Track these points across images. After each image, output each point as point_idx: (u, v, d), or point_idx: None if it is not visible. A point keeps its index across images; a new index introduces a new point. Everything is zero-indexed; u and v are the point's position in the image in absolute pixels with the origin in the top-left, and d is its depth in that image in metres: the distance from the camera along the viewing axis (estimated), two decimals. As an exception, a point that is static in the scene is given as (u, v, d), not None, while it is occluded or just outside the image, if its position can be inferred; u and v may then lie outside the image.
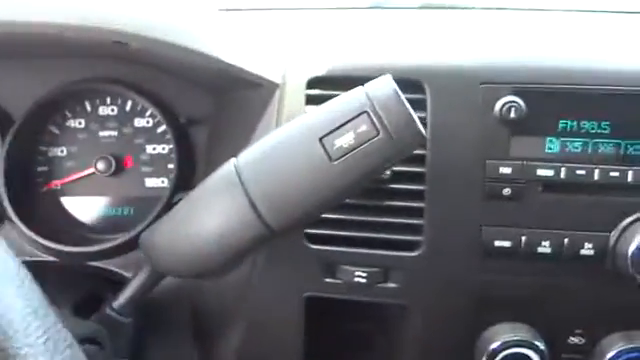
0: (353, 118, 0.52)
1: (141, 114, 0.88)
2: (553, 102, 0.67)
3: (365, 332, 0.83)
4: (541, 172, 0.67)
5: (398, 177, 0.69)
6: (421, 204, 0.70)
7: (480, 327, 0.73)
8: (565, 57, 0.69)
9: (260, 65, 0.71)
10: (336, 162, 0.52)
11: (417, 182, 0.69)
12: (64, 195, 0.88)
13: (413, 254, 0.71)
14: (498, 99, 0.66)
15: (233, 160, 0.57)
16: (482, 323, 0.73)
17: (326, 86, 0.70)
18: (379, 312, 0.78)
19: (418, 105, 0.69)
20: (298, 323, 0.75)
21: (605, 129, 0.67)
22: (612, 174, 0.67)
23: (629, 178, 0.66)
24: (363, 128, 0.52)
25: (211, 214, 0.54)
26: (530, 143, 0.68)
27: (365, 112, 0.52)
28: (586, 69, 0.68)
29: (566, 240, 0.68)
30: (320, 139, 0.52)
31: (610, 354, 0.71)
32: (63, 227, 0.87)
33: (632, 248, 0.65)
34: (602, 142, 0.67)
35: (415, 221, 0.70)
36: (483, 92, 0.67)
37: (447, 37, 0.75)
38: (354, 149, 0.52)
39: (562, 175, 0.67)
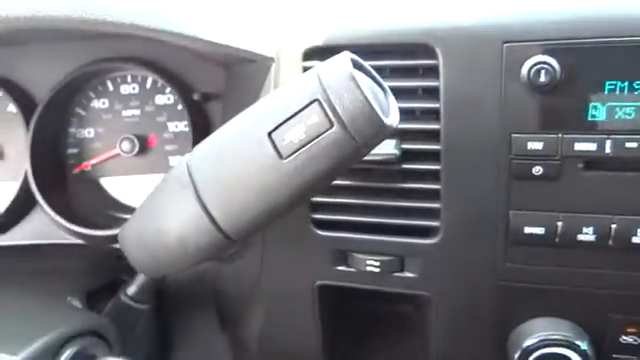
0: (303, 108, 0.43)
1: (162, 91, 0.84)
2: (596, 59, 0.54)
3: (392, 319, 0.76)
4: (581, 146, 0.55)
5: (410, 156, 0.60)
6: (437, 186, 0.60)
7: (513, 321, 0.63)
8: (607, 4, 0.54)
9: (251, 40, 0.63)
10: (287, 160, 0.44)
11: (431, 161, 0.60)
12: (96, 176, 0.87)
13: (430, 241, 0.62)
14: (525, 60, 0.54)
15: (186, 158, 0.50)
16: (515, 317, 0.63)
17: (325, 57, 0.60)
18: (405, 299, 0.70)
19: (429, 73, 0.58)
20: (313, 311, 0.70)
21: (666, 89, 0.52)
22: (673, 146, 0.53)
23: (695, 150, 0.52)
24: (314, 120, 0.42)
25: (168, 219, 0.49)
26: (567, 111, 0.55)
27: (316, 100, 0.43)
28: (637, 16, 0.53)
29: (614, 226, 0.56)
30: (269, 134, 0.44)
31: (669, 357, 0.59)
32: (96, 209, 0.87)
33: (697, 236, 0.52)
34: (662, 105, 0.53)
35: (431, 205, 0.61)
36: (507, 53, 0.55)
37: None
38: (306, 144, 0.43)
39: (608, 149, 0.54)
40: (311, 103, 0.43)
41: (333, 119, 0.42)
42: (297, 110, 0.43)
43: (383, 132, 0.43)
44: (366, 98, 0.41)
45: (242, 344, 0.80)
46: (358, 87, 0.42)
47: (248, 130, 0.46)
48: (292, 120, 0.43)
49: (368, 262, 0.64)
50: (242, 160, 0.45)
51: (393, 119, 0.45)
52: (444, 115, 0.58)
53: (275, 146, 0.44)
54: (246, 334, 0.78)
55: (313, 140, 0.43)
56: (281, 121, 0.43)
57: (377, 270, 0.64)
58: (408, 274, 0.65)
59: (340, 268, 0.67)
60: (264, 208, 0.46)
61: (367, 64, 0.48)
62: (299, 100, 0.43)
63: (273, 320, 0.74)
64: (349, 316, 0.75)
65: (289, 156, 0.44)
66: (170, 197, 0.50)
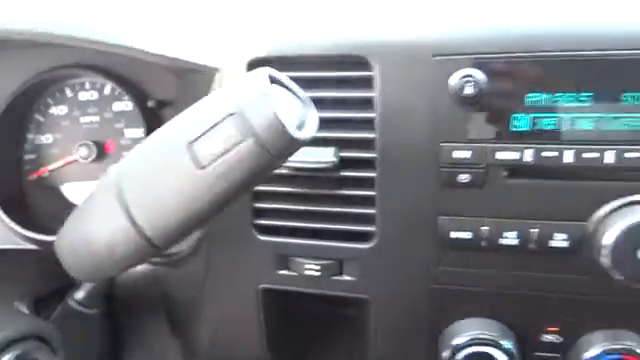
0: (220, 121, 0.45)
1: (119, 98, 0.85)
2: (519, 73, 0.56)
3: (336, 322, 0.77)
4: (503, 155, 0.57)
5: (347, 163, 0.62)
6: (372, 192, 0.62)
7: (445, 321, 0.65)
8: (531, 20, 0.57)
9: (196, 51, 0.65)
10: (205, 169, 0.45)
11: (367, 169, 0.62)
12: (54, 182, 0.88)
13: (367, 245, 0.64)
14: (453, 73, 0.56)
15: (114, 167, 0.51)
16: (447, 317, 0.65)
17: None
18: (348, 302, 0.72)
19: (365, 84, 0.60)
20: (257, 314, 0.71)
21: (585, 102, 0.55)
22: (587, 155, 0.55)
23: (608, 159, 0.55)
24: (230, 132, 0.44)
25: (96, 226, 0.50)
26: (492, 122, 0.57)
27: (232, 114, 0.44)
28: (560, 32, 0.56)
29: (535, 231, 0.58)
30: (189, 144, 0.45)
31: (588, 354, 0.61)
32: (54, 214, 0.87)
33: (610, 240, 0.55)
34: (580, 117, 0.56)
35: (367, 210, 0.63)
36: (436, 66, 0.57)
37: (395, 8, 0.64)
38: (223, 155, 0.44)
39: (528, 158, 0.57)
40: (228, 116, 0.44)
41: (247, 132, 0.44)
42: (215, 122, 0.45)
43: (294, 145, 0.45)
44: (277, 114, 0.43)
45: (192, 348, 0.80)
46: (271, 103, 0.44)
47: (170, 140, 0.47)
48: (211, 132, 0.45)
49: (308, 266, 0.66)
50: (164, 169, 0.47)
51: (306, 133, 0.47)
52: (379, 125, 0.60)
53: (195, 156, 0.45)
54: (195, 338, 0.79)
55: (229, 152, 0.44)
56: (201, 132, 0.45)
57: (317, 274, 0.66)
58: (347, 277, 0.66)
59: (282, 272, 0.68)
60: (186, 216, 0.47)
61: (288, 78, 0.50)
62: (217, 113, 0.45)
63: (220, 324, 0.75)
64: (295, 320, 0.77)
65: (207, 166, 0.45)
66: (98, 205, 0.50)
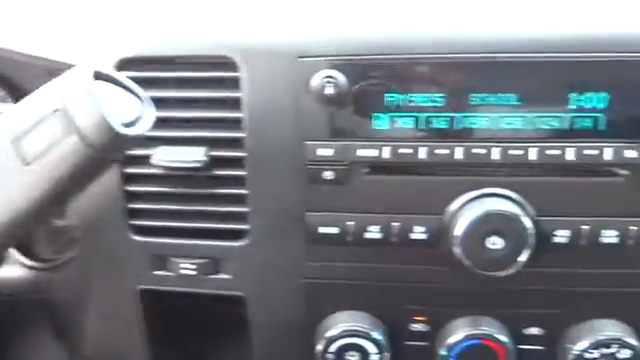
0: (45, 117, 0.44)
1: (4, 99, 0.82)
2: (378, 74, 0.58)
3: (220, 321, 0.77)
4: (363, 152, 0.59)
5: (218, 163, 0.62)
6: (243, 191, 0.63)
7: (319, 315, 0.67)
8: (391, 24, 0.60)
9: (65, 51, 0.63)
10: (30, 167, 0.44)
11: (237, 168, 0.62)
12: None
13: (240, 243, 0.64)
14: (314, 74, 0.58)
15: None
16: (320, 311, 0.67)
17: (138, 67, 0.62)
18: (231, 301, 0.72)
19: (233, 84, 0.61)
20: (137, 316, 0.70)
21: (438, 102, 0.58)
22: (439, 152, 0.58)
23: (458, 155, 0.58)
24: (55, 129, 0.43)
25: None
26: (354, 121, 0.59)
27: (57, 110, 0.44)
28: (413, 37, 0.59)
29: (395, 224, 0.61)
30: (14, 140, 0.44)
31: (451, 340, 0.64)
32: None
33: (460, 231, 0.58)
34: (434, 116, 0.59)
35: (239, 209, 0.63)
36: (299, 67, 0.59)
37: (262, 9, 0.65)
38: (48, 152, 0.44)
39: (385, 155, 0.59)
40: (53, 112, 0.43)
41: (71, 129, 0.43)
42: (40, 119, 0.44)
43: (121, 142, 0.45)
44: (100, 110, 0.43)
45: (77, 353, 0.78)
46: (94, 99, 0.43)
47: None
48: (36, 128, 0.44)
49: (183, 265, 0.65)
50: None
51: (137, 129, 0.46)
52: (247, 124, 0.60)
53: (20, 153, 0.44)
54: (79, 343, 0.76)
55: (54, 148, 0.43)
56: (26, 129, 0.44)
57: (193, 273, 0.66)
58: (223, 276, 0.66)
59: (159, 272, 0.67)
60: (13, 215, 0.46)
61: (124, 76, 0.49)
62: (43, 109, 0.44)
63: (102, 328, 0.74)
64: (182, 320, 0.76)
65: (33, 162, 0.44)
66: None
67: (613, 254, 0.60)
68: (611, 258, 0.61)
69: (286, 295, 0.66)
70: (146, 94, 0.49)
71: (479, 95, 0.58)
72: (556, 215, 0.59)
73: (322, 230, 0.62)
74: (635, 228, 0.58)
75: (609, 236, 0.59)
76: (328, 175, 0.60)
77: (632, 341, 0.63)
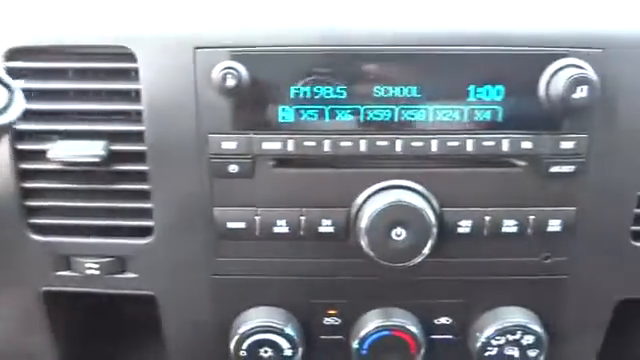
0: None
1: None
2: (282, 66, 0.57)
3: (135, 321, 0.75)
4: (268, 145, 0.58)
5: (118, 157, 0.59)
6: (146, 186, 0.60)
7: (232, 312, 0.65)
8: (293, 16, 0.59)
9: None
10: None
11: (139, 162, 0.60)
12: None
13: (146, 241, 0.62)
14: (215, 65, 0.56)
15: None
16: (233, 308, 0.65)
17: (30, 57, 0.58)
18: (143, 301, 0.69)
19: (131, 76, 0.58)
20: (42, 318, 0.66)
21: (341, 94, 0.58)
22: (344, 144, 0.58)
23: (362, 147, 0.58)
24: None
25: None
26: (258, 113, 0.58)
27: None
28: (316, 28, 0.57)
29: (303, 218, 0.60)
30: None
31: (363, 332, 0.64)
32: None
33: (365, 223, 0.57)
34: (338, 109, 0.58)
35: (142, 205, 0.61)
36: (198, 58, 0.57)
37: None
38: None
39: (290, 148, 0.58)
40: None
41: None
42: None
43: None
44: None
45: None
46: None
47: None
48: None
49: (87, 265, 0.63)
50: None
51: (2, 119, 0.44)
52: (147, 117, 0.58)
53: None
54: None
55: None
56: None
57: (98, 273, 0.63)
58: (130, 275, 0.64)
59: (63, 273, 0.64)
60: None
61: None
62: None
63: (9, 333, 0.70)
64: (88, 321, 0.73)
65: None
66: None
67: (514, 243, 0.61)
68: (512, 247, 0.62)
69: (196, 293, 0.64)
70: (17, 83, 0.46)
71: (383, 87, 0.58)
72: (459, 206, 0.60)
73: (230, 225, 0.60)
74: (533, 217, 0.60)
75: (509, 225, 0.60)
76: (233, 169, 0.59)
77: (535, 327, 0.64)
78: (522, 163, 0.59)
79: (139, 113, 0.59)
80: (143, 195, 0.61)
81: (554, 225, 0.60)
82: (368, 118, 0.58)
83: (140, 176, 0.60)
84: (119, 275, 0.64)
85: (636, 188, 0.60)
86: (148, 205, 0.61)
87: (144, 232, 0.62)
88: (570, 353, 0.68)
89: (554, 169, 0.59)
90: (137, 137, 0.59)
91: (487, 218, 0.59)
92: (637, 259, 0.63)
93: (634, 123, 0.59)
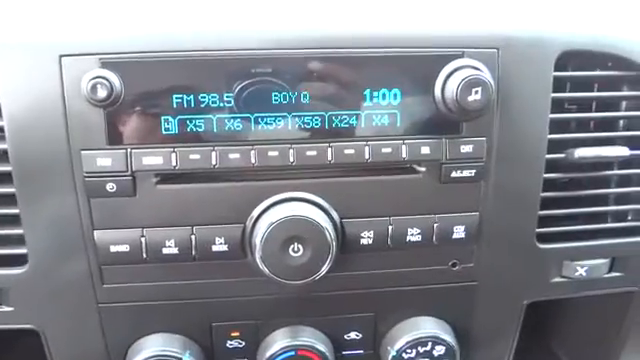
0: None
1: None
2: (160, 74, 0.51)
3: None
4: (149, 160, 0.52)
5: (-19, 178, 0.52)
6: (14, 210, 0.53)
7: (124, 341, 0.59)
8: (168, 19, 0.53)
9: None
10: None
11: (5, 184, 0.53)
12: None
13: (20, 270, 0.55)
14: (84, 75, 0.50)
15: None
16: (126, 337, 0.59)
17: None
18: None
19: None
20: None
21: (228, 102, 0.52)
22: (233, 156, 0.53)
23: (253, 159, 0.53)
24: None
25: None
26: (137, 126, 0.52)
27: None
28: (193, 31, 0.52)
29: (193, 237, 0.54)
30: None
31: (268, 353, 0.59)
32: None
33: (259, 239, 0.52)
34: (227, 118, 0.53)
35: (13, 231, 0.54)
36: (65, 67, 0.50)
37: (22, 6, 0.56)
38: None
39: (174, 162, 0.52)
40: None
41: None
42: None
43: None
44: None
45: None
46: None
47: None
48: None
49: (-44, 300, 0.55)
50: None
51: None
52: (9, 133, 0.51)
53: None
54: None
55: None
56: None
57: (-33, 308, 0.55)
58: (5, 308, 0.57)
59: None
60: None
61: None
62: None
63: None
64: None
65: None
66: None
67: (420, 252, 0.58)
68: (418, 256, 0.58)
69: (84, 324, 0.58)
70: None
71: (273, 93, 0.52)
72: (360, 217, 0.56)
73: (113, 249, 0.54)
74: (437, 225, 0.56)
75: (413, 234, 0.56)
76: (111, 187, 0.52)
77: (446, 337, 0.61)
78: (422, 169, 0.55)
79: (1, 129, 0.52)
80: (13, 220, 0.53)
81: (459, 231, 0.57)
82: (259, 127, 0.53)
83: (8, 199, 0.53)
84: (-5, 309, 0.56)
85: (538, 190, 0.58)
86: (19, 231, 0.54)
87: (19, 261, 0.55)
88: (483, 358, 0.66)
89: (455, 174, 0.56)
90: (1, 156, 0.52)
91: (390, 228, 0.56)
92: (543, 261, 0.62)
93: (532, 124, 0.57)
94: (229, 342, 0.60)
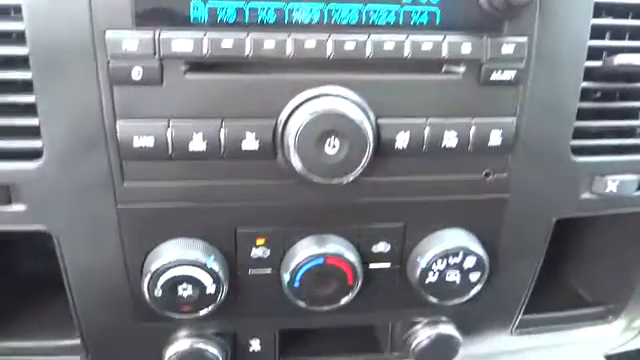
0: None
1: None
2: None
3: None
4: (178, 46, 0.48)
5: (-4, 63, 0.47)
6: (31, 98, 0.49)
7: (144, 246, 0.55)
8: None
9: None
10: None
11: (20, 69, 0.48)
12: None
13: (34, 164, 0.51)
14: None
15: None
16: (145, 241, 0.55)
17: None
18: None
19: None
20: None
21: (264, -11, 0.49)
22: (268, 46, 0.49)
23: (289, 49, 0.49)
24: None
25: None
26: (168, 9, 0.48)
27: None
28: None
29: (223, 131, 0.51)
30: None
31: (293, 263, 0.56)
32: None
33: (295, 135, 0.49)
34: (260, 7, 0.49)
35: (28, 121, 0.50)
36: None
37: None
38: None
39: (205, 50, 0.48)
40: None
41: None
42: None
43: None
44: None
45: None
46: None
47: None
48: None
49: (-40, 194, 0.51)
50: None
51: None
52: (27, 11, 0.46)
53: None
54: None
55: None
56: None
57: (-26, 206, 0.51)
58: (17, 207, 0.52)
59: None
60: None
61: None
62: None
63: None
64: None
65: None
66: None
67: (454, 159, 0.56)
68: (452, 163, 0.56)
69: (100, 226, 0.54)
70: None
71: (312, -17, 0.49)
72: (397, 116, 0.53)
73: (137, 142, 0.50)
74: (474, 128, 0.54)
75: (450, 138, 0.54)
76: (137, 74, 0.49)
77: (477, 249, 0.59)
78: (461, 69, 0.53)
79: (18, 9, 0.47)
80: (28, 109, 0.49)
81: (495, 137, 0.55)
82: (294, 18, 0.50)
83: (23, 86, 0.48)
84: (4, 207, 0.52)
85: (576, 99, 0.56)
86: (34, 121, 0.49)
87: (34, 154, 0.51)
88: (507, 277, 0.64)
89: (494, 76, 0.53)
90: (16, 38, 0.47)
91: (427, 130, 0.53)
92: (575, 175, 0.60)
93: (574, 28, 0.54)
94: (254, 250, 0.57)
